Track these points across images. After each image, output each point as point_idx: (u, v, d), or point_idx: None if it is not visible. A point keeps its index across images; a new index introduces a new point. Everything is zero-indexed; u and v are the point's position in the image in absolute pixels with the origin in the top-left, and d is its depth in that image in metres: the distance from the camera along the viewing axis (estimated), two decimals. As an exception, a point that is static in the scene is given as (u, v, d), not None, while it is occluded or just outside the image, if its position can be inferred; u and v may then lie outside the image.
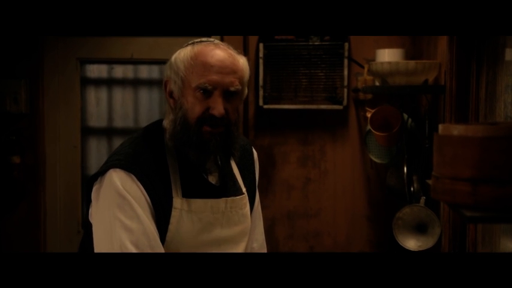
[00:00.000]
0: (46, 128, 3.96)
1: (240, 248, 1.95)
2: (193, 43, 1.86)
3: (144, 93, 4.04)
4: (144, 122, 3.98)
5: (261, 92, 3.64)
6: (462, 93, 2.65)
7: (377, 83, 3.32)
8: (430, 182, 1.49)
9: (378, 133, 3.18)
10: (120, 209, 1.71)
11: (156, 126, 1.89)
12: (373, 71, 3.09)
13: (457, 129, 1.35)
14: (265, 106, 3.66)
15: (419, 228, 2.90)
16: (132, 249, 1.68)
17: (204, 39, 1.88)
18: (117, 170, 1.74)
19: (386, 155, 3.47)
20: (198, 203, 1.82)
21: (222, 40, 3.79)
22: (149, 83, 4.04)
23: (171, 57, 1.87)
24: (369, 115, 3.26)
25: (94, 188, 1.79)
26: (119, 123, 4.06)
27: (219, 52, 1.80)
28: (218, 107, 1.76)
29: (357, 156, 3.78)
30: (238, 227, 1.93)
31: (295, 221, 3.83)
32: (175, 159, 1.82)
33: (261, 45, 3.62)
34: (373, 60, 3.36)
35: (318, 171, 3.81)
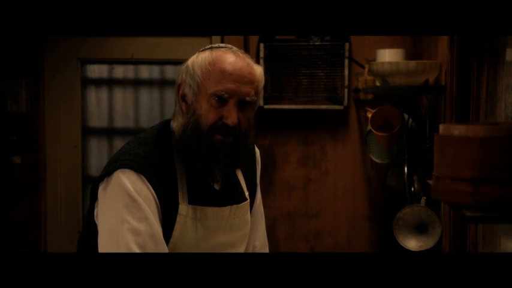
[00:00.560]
0: (47, 128, 3.96)
1: (238, 252, 1.94)
2: (211, 48, 1.80)
3: (144, 94, 4.04)
4: (144, 122, 3.99)
5: (261, 92, 3.64)
6: (463, 94, 2.64)
7: (377, 83, 3.32)
8: (430, 182, 1.48)
9: (378, 133, 3.18)
10: (129, 210, 1.67)
11: (164, 128, 1.85)
12: (373, 71, 3.09)
13: (457, 130, 1.35)
14: (266, 106, 3.66)
15: (420, 229, 2.89)
16: (138, 252, 1.67)
17: (222, 45, 1.82)
18: (127, 170, 1.70)
19: (386, 155, 3.47)
20: (204, 211, 1.81)
21: (222, 40, 3.82)
22: (150, 83, 4.04)
23: (185, 59, 1.81)
24: (369, 115, 3.26)
25: (100, 188, 1.75)
26: (119, 123, 4.06)
27: (237, 60, 1.75)
28: (232, 117, 1.73)
29: (358, 156, 3.78)
30: (239, 232, 1.92)
31: (296, 221, 3.83)
32: (182, 164, 1.80)
33: (261, 45, 3.62)
34: (374, 60, 3.36)
35: (318, 172, 3.81)
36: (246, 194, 1.96)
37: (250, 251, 2.06)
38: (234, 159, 1.82)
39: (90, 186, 1.81)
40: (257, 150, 2.08)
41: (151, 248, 1.68)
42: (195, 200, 1.80)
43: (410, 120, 3.25)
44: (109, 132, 4.08)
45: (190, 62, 1.79)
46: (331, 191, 3.81)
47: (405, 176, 3.16)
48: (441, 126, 1.41)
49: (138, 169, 1.71)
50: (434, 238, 2.84)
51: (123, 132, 4.03)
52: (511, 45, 2.29)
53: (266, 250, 2.13)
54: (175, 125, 1.82)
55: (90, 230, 1.82)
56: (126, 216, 1.67)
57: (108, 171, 1.73)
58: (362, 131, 3.73)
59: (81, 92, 4.01)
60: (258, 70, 1.80)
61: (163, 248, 1.72)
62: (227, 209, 1.86)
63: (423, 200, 2.90)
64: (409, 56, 3.46)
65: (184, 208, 1.78)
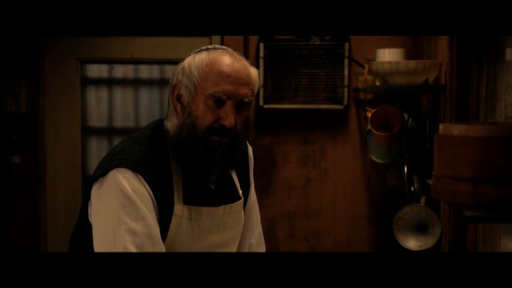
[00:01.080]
0: (46, 127, 3.96)
1: (230, 251, 1.94)
2: (207, 49, 1.81)
3: (144, 93, 4.05)
4: (144, 122, 3.99)
5: (261, 92, 3.64)
6: (462, 93, 2.65)
7: (377, 83, 3.32)
8: (430, 181, 1.48)
9: (378, 133, 3.18)
10: (125, 210, 1.67)
11: (158, 127, 1.85)
12: (373, 70, 3.09)
13: (457, 129, 1.35)
14: (266, 106, 3.66)
15: (420, 228, 2.89)
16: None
17: (218, 46, 1.83)
18: (123, 169, 1.69)
19: (386, 154, 3.47)
20: (199, 211, 1.81)
21: (222, 40, 3.82)
22: (149, 83, 4.05)
23: (174, 57, 1.83)
24: (369, 115, 3.26)
25: (94, 187, 1.74)
26: (119, 123, 4.06)
27: (235, 62, 1.76)
28: (229, 118, 1.73)
29: (358, 156, 3.78)
30: (232, 231, 1.93)
31: (296, 220, 3.83)
32: (178, 164, 1.80)
33: (261, 45, 3.62)
34: (374, 60, 3.36)
35: (318, 171, 3.81)
36: (240, 192, 1.96)
37: (246, 249, 2.06)
38: (229, 159, 1.83)
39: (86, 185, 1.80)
40: (249, 147, 2.08)
41: (148, 248, 1.68)
42: (190, 200, 1.80)
43: (410, 119, 3.25)
44: (109, 132, 4.08)
45: (186, 62, 1.78)
46: (331, 190, 3.81)
47: (405, 176, 3.16)
48: (441, 126, 1.41)
49: (135, 168, 1.70)
50: (434, 238, 2.84)
51: (123, 131, 4.03)
52: (511, 45, 2.29)
53: (262, 248, 2.12)
54: (169, 125, 1.81)
55: (83, 229, 1.82)
56: (123, 217, 1.67)
57: (103, 171, 1.72)
58: (362, 130, 3.73)
59: (81, 92, 4.01)
60: (254, 72, 1.81)
61: (161, 248, 1.71)
62: (221, 208, 1.86)
63: (423, 199, 2.90)
64: (409, 56, 3.46)
65: (179, 208, 1.78)
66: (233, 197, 1.92)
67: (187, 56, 1.82)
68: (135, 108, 4.05)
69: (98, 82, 4.07)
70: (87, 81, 4.05)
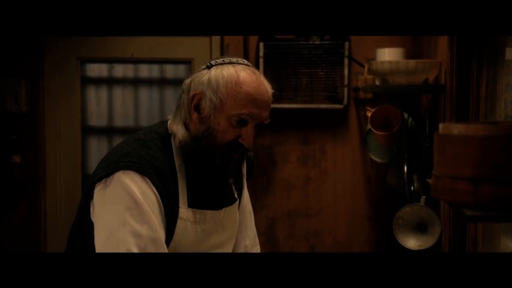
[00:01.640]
0: (46, 127, 3.96)
1: (226, 251, 1.96)
2: (231, 63, 1.80)
3: (144, 93, 4.04)
4: (144, 122, 3.99)
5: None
6: (462, 93, 2.65)
7: (377, 82, 3.32)
8: (430, 181, 1.48)
9: (378, 132, 3.18)
10: (131, 212, 1.67)
11: (164, 130, 1.85)
12: (373, 70, 3.09)
13: (457, 129, 1.35)
14: (266, 105, 3.65)
15: (420, 228, 2.90)
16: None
17: (240, 60, 1.83)
18: (130, 172, 1.69)
19: (386, 154, 3.47)
20: (203, 214, 1.83)
21: (222, 40, 3.82)
22: (149, 82, 4.04)
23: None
24: (369, 114, 3.27)
25: (98, 188, 1.73)
26: (119, 122, 4.06)
27: (260, 85, 1.78)
28: (250, 139, 1.77)
29: (357, 155, 3.78)
30: (229, 231, 1.95)
31: (296, 220, 3.83)
32: (183, 168, 1.81)
33: (261, 45, 3.62)
34: (374, 59, 3.36)
35: (318, 171, 3.81)
36: (235, 194, 1.98)
37: (242, 250, 2.08)
38: (237, 171, 1.87)
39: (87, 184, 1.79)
40: None
41: (151, 252, 1.68)
42: (194, 204, 1.81)
43: (410, 119, 3.25)
44: (109, 132, 4.08)
45: (213, 76, 1.77)
46: (330, 190, 3.81)
47: (405, 175, 3.16)
48: (441, 125, 1.41)
49: (143, 172, 1.70)
50: (434, 237, 2.84)
51: (123, 131, 4.03)
52: (511, 45, 2.30)
53: (257, 249, 2.13)
54: (177, 129, 1.81)
55: (83, 228, 1.82)
56: (128, 219, 1.66)
57: (108, 172, 1.72)
58: (362, 130, 3.73)
59: (80, 91, 4.01)
60: (271, 92, 1.83)
61: (164, 252, 1.72)
62: (222, 211, 1.89)
63: (423, 199, 2.90)
64: (408, 55, 3.47)
65: (184, 212, 1.79)
66: (230, 199, 1.95)
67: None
68: (135, 108, 4.05)
69: (98, 82, 4.06)
70: (87, 81, 4.04)
